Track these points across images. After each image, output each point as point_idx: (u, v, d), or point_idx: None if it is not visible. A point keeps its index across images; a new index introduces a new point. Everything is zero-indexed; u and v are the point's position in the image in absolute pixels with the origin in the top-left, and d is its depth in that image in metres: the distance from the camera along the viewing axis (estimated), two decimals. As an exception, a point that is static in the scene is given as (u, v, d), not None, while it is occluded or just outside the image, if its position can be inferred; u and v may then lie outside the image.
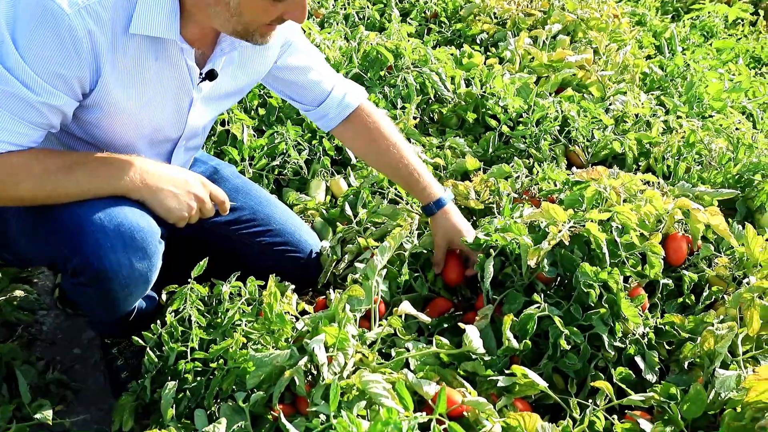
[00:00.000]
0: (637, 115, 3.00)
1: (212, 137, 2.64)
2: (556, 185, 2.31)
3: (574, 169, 2.40)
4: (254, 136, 2.70)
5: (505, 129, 2.85)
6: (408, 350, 1.75)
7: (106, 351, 2.04)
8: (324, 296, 2.04)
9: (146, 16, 1.54)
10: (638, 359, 1.82)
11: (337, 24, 3.69)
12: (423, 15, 4.09)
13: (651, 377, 1.79)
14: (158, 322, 1.81)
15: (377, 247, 1.83)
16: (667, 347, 1.89)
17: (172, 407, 1.63)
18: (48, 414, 1.79)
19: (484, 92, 2.99)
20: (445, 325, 1.95)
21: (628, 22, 4.19)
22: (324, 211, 2.47)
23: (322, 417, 1.46)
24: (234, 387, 1.64)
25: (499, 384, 1.69)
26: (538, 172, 2.43)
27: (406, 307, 1.73)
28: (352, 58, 3.05)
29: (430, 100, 3.04)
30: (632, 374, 1.79)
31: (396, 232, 1.86)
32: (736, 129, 2.82)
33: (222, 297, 1.83)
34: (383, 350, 1.79)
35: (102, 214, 1.58)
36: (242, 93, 1.97)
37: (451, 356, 1.76)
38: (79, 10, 1.45)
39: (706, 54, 3.98)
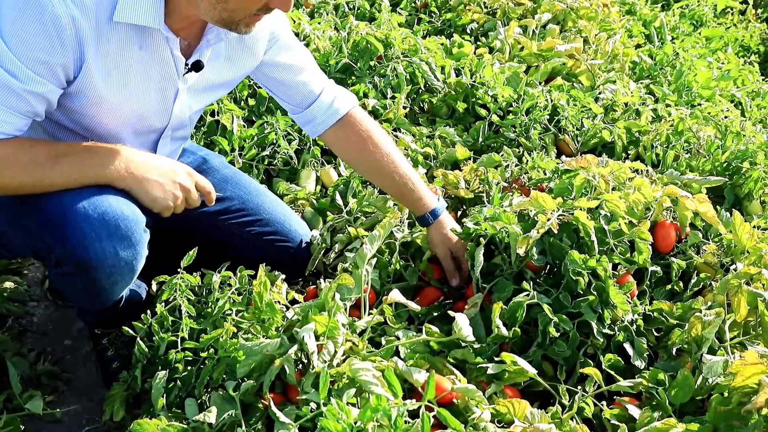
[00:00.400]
0: (626, 104, 3.01)
1: (201, 128, 2.63)
2: (545, 174, 2.32)
3: (563, 157, 2.41)
4: (244, 126, 2.69)
5: (494, 118, 2.85)
6: (398, 338, 1.75)
7: (96, 342, 2.04)
8: (314, 286, 2.05)
9: (130, 4, 1.54)
10: (627, 346, 1.83)
11: (327, 14, 3.68)
12: (413, 5, 4.08)
13: (639, 363, 1.81)
14: (148, 312, 1.81)
15: (367, 236, 1.84)
16: (655, 334, 1.90)
17: (162, 397, 1.63)
18: (39, 404, 1.79)
19: (474, 82, 2.99)
20: (435, 314, 1.96)
21: (618, 11, 4.20)
22: (314, 201, 2.47)
23: (313, 405, 1.46)
24: (224, 376, 1.64)
25: (489, 371, 1.70)
26: (527, 161, 2.43)
27: (395, 295, 1.73)
28: (341, 48, 3.04)
29: (420, 90, 3.04)
30: (621, 361, 1.81)
31: (386, 221, 1.87)
32: (725, 117, 2.83)
33: (212, 287, 1.83)
34: (373, 339, 1.80)
35: (86, 203, 1.58)
36: (229, 86, 1.96)
37: (441, 344, 1.77)
38: None
39: (695, 43, 3.99)
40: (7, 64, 1.47)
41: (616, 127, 2.78)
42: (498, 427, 1.54)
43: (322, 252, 2.16)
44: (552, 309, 1.80)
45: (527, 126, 2.80)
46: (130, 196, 1.65)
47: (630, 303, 1.86)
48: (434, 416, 1.40)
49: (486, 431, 1.51)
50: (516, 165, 2.44)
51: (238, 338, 1.66)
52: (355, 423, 1.30)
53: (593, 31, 3.53)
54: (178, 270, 1.82)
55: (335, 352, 1.59)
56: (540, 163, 2.36)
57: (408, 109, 2.94)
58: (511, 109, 2.89)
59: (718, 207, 2.23)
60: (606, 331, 1.83)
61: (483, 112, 2.92)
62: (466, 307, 1.89)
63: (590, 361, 1.82)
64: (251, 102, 2.83)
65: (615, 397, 1.74)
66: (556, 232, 1.90)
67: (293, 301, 1.85)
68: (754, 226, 2.05)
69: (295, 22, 3.21)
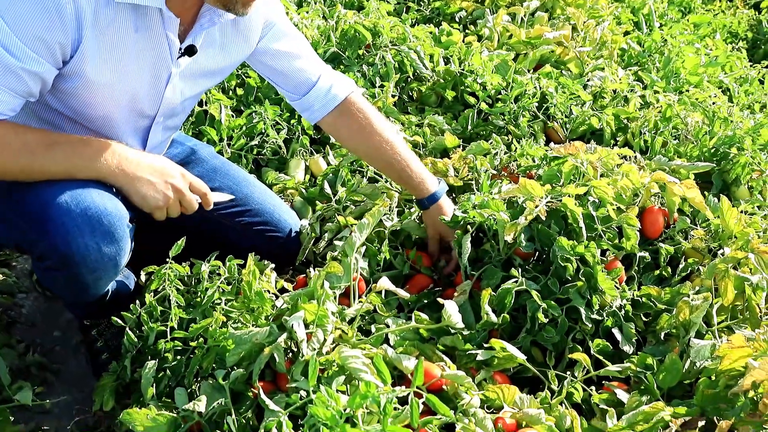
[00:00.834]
0: (614, 91, 3.01)
1: (190, 118, 2.62)
2: (534, 161, 2.32)
3: (552, 144, 2.41)
4: (232, 116, 2.68)
5: (483, 106, 2.85)
6: (388, 326, 1.76)
7: (85, 333, 2.04)
8: (304, 275, 2.05)
9: None
10: (615, 331, 1.84)
11: (315, 3, 3.67)
12: (401, -7, 4.07)
13: (628, 348, 1.82)
14: (137, 302, 1.81)
15: (356, 224, 1.84)
16: (643, 319, 1.91)
17: (152, 386, 1.63)
18: (28, 396, 1.79)
19: (463, 70, 2.99)
20: (425, 301, 1.96)
21: (607, -2, 4.20)
22: (303, 191, 2.46)
23: (302, 393, 1.47)
24: (214, 365, 1.64)
25: (478, 358, 1.71)
26: (516, 148, 2.43)
27: (384, 282, 1.74)
28: (330, 37, 3.03)
29: (409, 79, 3.03)
30: (609, 346, 1.82)
31: (375, 209, 1.87)
32: (713, 103, 2.84)
33: (201, 276, 1.83)
34: (363, 327, 1.80)
35: (68, 198, 1.57)
36: (222, 74, 1.95)
37: (431, 331, 1.77)
38: None
39: (683, 29, 3.99)
40: (5, 40, 1.46)
41: (605, 114, 2.79)
42: (487, 412, 1.55)
43: (312, 241, 2.16)
44: (541, 295, 1.81)
45: (516, 113, 2.80)
46: (117, 192, 1.65)
47: (618, 288, 1.87)
48: (424, 403, 1.41)
49: (476, 417, 1.51)
50: (505, 152, 2.45)
51: (228, 327, 1.66)
52: (345, 410, 1.30)
53: (582, 18, 3.53)
54: (167, 260, 1.81)
55: (324, 340, 1.59)
56: (529, 150, 2.36)
57: (397, 98, 2.94)
58: (499, 96, 2.89)
59: (705, 193, 2.24)
60: (594, 316, 1.84)
61: (472, 100, 2.92)
62: (456, 294, 1.90)
63: (579, 346, 1.83)
64: (239, 92, 2.82)
65: (604, 381, 1.75)
66: (544, 218, 1.90)
67: (282, 290, 1.85)
68: (741, 211, 2.06)
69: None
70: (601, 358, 1.79)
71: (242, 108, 2.76)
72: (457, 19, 3.77)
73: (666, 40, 3.53)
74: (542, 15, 3.58)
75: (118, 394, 1.80)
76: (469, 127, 2.81)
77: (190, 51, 1.75)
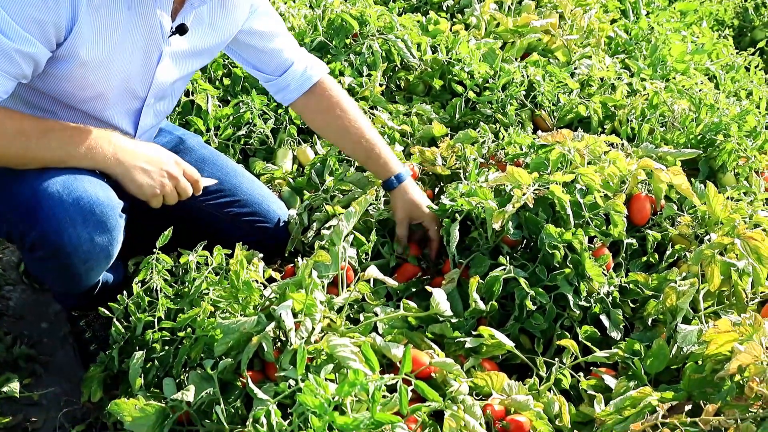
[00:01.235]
0: (602, 79, 3.02)
1: (177, 108, 2.61)
2: (521, 149, 2.32)
3: (540, 133, 2.41)
4: (219, 105, 2.67)
5: (471, 95, 2.85)
6: (376, 315, 1.76)
7: (73, 324, 2.03)
8: (292, 264, 2.04)
9: None
10: (603, 317, 1.85)
11: (302, -8, 3.65)
12: (388, -18, 4.06)
13: (615, 335, 1.83)
14: (125, 292, 1.81)
15: (344, 213, 1.84)
16: (631, 305, 1.92)
17: (140, 377, 1.63)
18: (15, 387, 1.79)
19: (450, 58, 2.98)
20: (413, 290, 1.96)
21: (594, -13, 4.19)
22: (291, 180, 2.46)
23: (291, 382, 1.47)
24: (202, 355, 1.64)
25: (467, 345, 1.71)
26: (504, 136, 2.43)
27: (372, 271, 1.74)
28: (316, 26, 3.02)
29: (397, 68, 3.03)
30: (597, 332, 1.83)
31: (362, 198, 1.87)
32: (699, 90, 2.85)
33: (189, 266, 1.83)
34: (352, 315, 1.80)
35: (60, 187, 1.56)
36: (210, 54, 1.95)
37: (419, 319, 1.78)
38: None
39: (670, 17, 3.99)
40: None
41: (592, 102, 2.79)
42: (476, 399, 1.56)
43: (300, 231, 2.15)
44: (528, 283, 1.81)
45: (504, 102, 2.80)
46: (111, 181, 1.64)
47: (606, 275, 1.88)
48: (413, 390, 1.41)
49: (464, 404, 1.52)
50: (493, 141, 2.45)
51: (216, 317, 1.66)
52: (333, 398, 1.30)
53: (569, 6, 3.53)
54: (154, 250, 1.81)
55: (313, 329, 1.59)
56: (516, 138, 2.36)
57: (384, 87, 2.93)
58: (487, 85, 2.89)
59: (692, 179, 2.24)
60: (582, 303, 1.84)
61: (459, 88, 2.91)
62: (444, 282, 1.90)
63: (567, 333, 1.84)
64: (226, 81, 2.81)
65: (592, 368, 1.76)
66: (531, 206, 1.90)
67: (271, 280, 1.85)
68: (727, 198, 2.07)
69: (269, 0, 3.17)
70: (589, 344, 1.80)
71: (229, 98, 2.75)
72: (444, 8, 3.76)
73: (653, 27, 3.53)
74: (529, 3, 3.58)
75: (106, 385, 1.80)
76: (457, 116, 2.81)
77: (181, 30, 1.75)
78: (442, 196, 2.10)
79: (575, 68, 3.08)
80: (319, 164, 2.44)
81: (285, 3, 3.24)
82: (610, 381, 1.67)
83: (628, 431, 1.42)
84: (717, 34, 3.98)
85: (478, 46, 3.04)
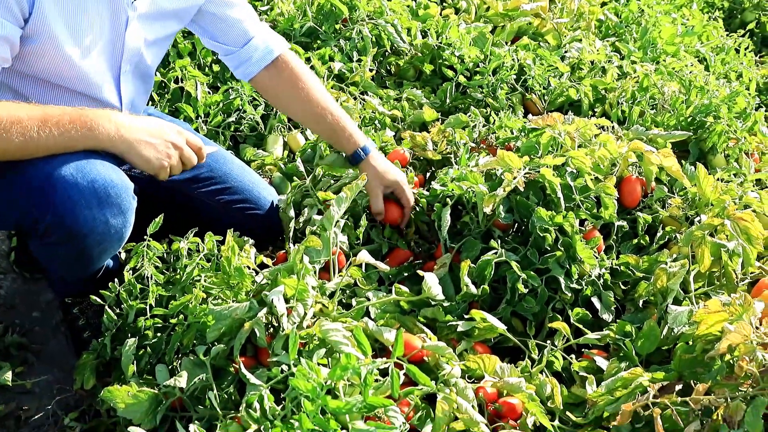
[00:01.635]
0: (592, 62, 3.01)
1: (166, 95, 2.60)
2: (512, 133, 2.32)
3: (530, 116, 2.42)
4: (209, 92, 2.66)
5: (461, 79, 2.84)
6: (368, 299, 1.76)
7: (66, 311, 2.03)
8: (284, 251, 2.04)
9: None
10: (594, 300, 1.86)
11: (291, -22, 3.63)
12: (378, -33, 4.03)
13: (607, 317, 1.84)
14: (116, 280, 1.80)
15: (335, 199, 1.83)
16: (622, 287, 1.93)
17: (133, 364, 1.63)
18: (7, 376, 1.78)
19: (441, 43, 2.98)
20: (405, 274, 1.97)
21: (584, -30, 4.18)
22: (282, 166, 2.45)
23: (284, 367, 1.47)
24: (195, 341, 1.64)
25: (459, 329, 1.72)
26: (495, 121, 2.43)
27: (364, 256, 1.74)
28: (306, 11, 3.00)
29: (387, 53, 3.02)
30: (589, 314, 1.83)
31: (353, 183, 1.86)
32: (689, 72, 2.85)
33: (180, 253, 1.82)
34: (344, 300, 1.81)
35: (73, 171, 1.56)
36: (179, 19, 1.94)
37: (411, 304, 1.78)
38: None
39: None
40: None
41: (583, 85, 2.79)
42: (469, 382, 1.56)
43: (292, 219, 2.15)
44: (520, 266, 1.82)
45: (494, 86, 2.79)
46: (118, 160, 1.63)
47: (597, 258, 1.88)
48: (405, 374, 1.42)
49: (457, 387, 1.52)
50: (483, 125, 2.44)
51: (208, 304, 1.66)
52: (326, 382, 1.31)
53: (559, -11, 3.52)
54: (145, 237, 1.81)
55: (305, 314, 1.59)
56: (507, 122, 2.36)
57: (374, 72, 2.92)
58: (477, 69, 2.88)
59: (683, 161, 2.25)
60: (574, 286, 1.85)
61: (450, 73, 2.91)
62: (435, 266, 1.90)
63: (559, 315, 1.85)
64: (216, 68, 2.79)
65: (583, 350, 1.77)
66: (522, 190, 1.91)
67: (262, 266, 1.85)
68: (717, 179, 2.07)
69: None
70: (580, 326, 1.80)
71: (218, 84, 2.74)
72: (434, -8, 3.74)
73: (643, 10, 3.53)
74: (519, -13, 3.56)
75: (99, 373, 1.79)
76: (448, 101, 2.81)
77: None
78: (433, 181, 2.10)
79: (566, 52, 3.07)
80: (309, 150, 2.43)
81: (274, -12, 3.22)
82: (602, 362, 1.68)
83: (620, 412, 1.43)
84: (707, 16, 3.98)
85: (469, 31, 3.04)
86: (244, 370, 1.45)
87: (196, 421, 1.49)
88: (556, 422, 1.57)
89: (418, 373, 1.39)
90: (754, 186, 2.26)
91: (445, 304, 1.78)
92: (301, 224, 2.14)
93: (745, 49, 3.61)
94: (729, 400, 1.35)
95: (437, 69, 2.98)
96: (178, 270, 1.80)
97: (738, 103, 2.65)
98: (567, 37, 3.22)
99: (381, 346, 1.63)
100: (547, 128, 2.10)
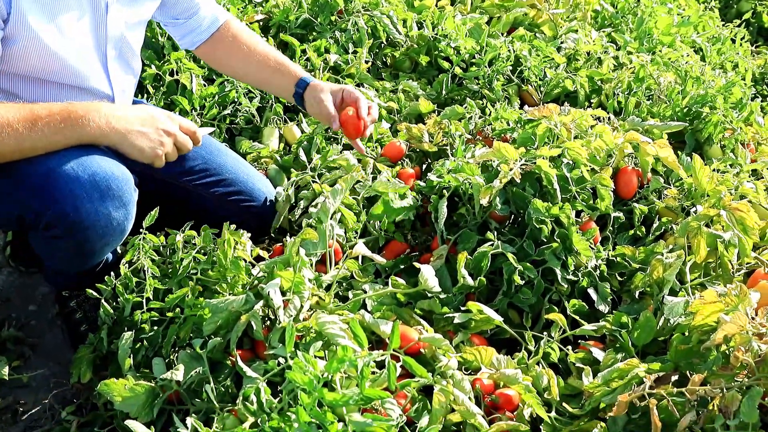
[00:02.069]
0: (588, 53, 3.01)
1: (161, 88, 2.59)
2: (508, 124, 2.32)
3: (526, 108, 2.41)
4: (204, 85, 2.65)
5: (457, 71, 2.84)
6: (365, 292, 1.76)
7: (62, 305, 2.03)
8: (281, 243, 2.04)
9: None
10: (591, 291, 1.86)
11: (286, -31, 3.61)
12: (373, -42, 4.02)
13: (603, 308, 1.84)
14: (112, 273, 1.80)
15: (330, 191, 1.83)
16: (618, 278, 1.93)
17: (129, 357, 1.63)
18: (4, 370, 1.78)
19: (436, 34, 2.97)
20: (402, 267, 1.97)
21: (579, -40, 4.16)
22: (278, 159, 2.45)
23: (280, 359, 1.47)
24: (191, 335, 1.64)
25: (456, 321, 1.72)
26: (491, 112, 2.43)
27: (360, 248, 1.74)
28: (301, 3, 2.99)
29: (382, 44, 3.01)
30: (585, 306, 1.84)
31: (349, 175, 1.86)
32: (685, 63, 2.85)
33: (176, 246, 1.82)
34: (340, 293, 1.81)
35: (74, 165, 1.56)
36: None
37: (408, 296, 1.78)
38: None
39: (656, -11, 3.98)
40: None
41: (579, 76, 2.78)
42: (465, 374, 1.57)
43: (287, 209, 2.15)
44: (516, 257, 1.82)
45: (490, 77, 2.79)
46: (115, 153, 1.63)
47: (593, 249, 1.88)
48: (402, 366, 1.42)
49: (453, 379, 1.52)
50: (479, 117, 2.44)
51: (204, 297, 1.66)
52: (323, 374, 1.30)
53: (554, -20, 3.51)
54: (141, 230, 1.80)
55: (301, 306, 1.59)
56: (503, 114, 2.36)
57: (370, 64, 2.92)
58: (473, 61, 2.88)
59: (679, 152, 2.25)
60: (570, 277, 1.85)
61: (446, 64, 2.90)
62: (432, 258, 1.90)
63: (555, 307, 1.85)
64: (211, 60, 2.78)
65: (580, 341, 1.78)
66: (518, 181, 1.91)
67: (259, 259, 1.85)
68: (713, 170, 2.07)
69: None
70: (577, 318, 1.80)
71: (214, 77, 2.73)
72: (429, -17, 3.73)
73: (639, 0, 3.52)
74: (515, -23, 3.55)
75: (96, 366, 1.80)
76: (444, 92, 2.80)
77: None
78: (429, 173, 2.09)
79: (562, 42, 3.07)
80: (305, 142, 2.43)
81: (269, -20, 3.21)
82: (598, 354, 1.69)
83: (616, 403, 1.43)
84: (703, 6, 3.98)
85: (464, 22, 3.03)
86: (240, 363, 1.45)
87: (193, 414, 1.49)
88: (553, 413, 1.57)
89: (415, 365, 1.39)
90: (749, 176, 2.26)
91: (442, 296, 1.78)
92: (297, 216, 2.14)
93: (741, 39, 3.61)
94: (725, 390, 1.35)
95: (433, 60, 2.97)
96: (175, 263, 1.80)
97: (734, 94, 2.65)
98: (563, 28, 3.22)
99: (378, 338, 1.63)
100: (544, 119, 2.10)
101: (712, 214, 1.82)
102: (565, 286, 1.84)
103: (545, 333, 1.76)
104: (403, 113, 2.66)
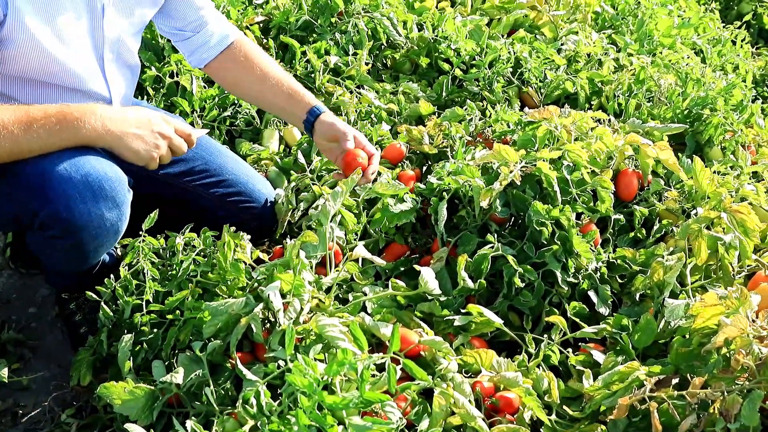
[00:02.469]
0: (588, 55, 3.01)
1: (161, 89, 2.59)
2: (509, 126, 2.32)
3: (526, 109, 2.41)
4: (204, 86, 2.65)
5: (458, 72, 2.84)
6: (365, 294, 1.76)
7: (62, 306, 2.03)
8: (281, 246, 2.04)
9: None
10: (591, 293, 1.86)
11: (286, -29, 3.61)
12: (373, -41, 4.02)
13: (604, 310, 1.83)
14: (112, 276, 1.80)
15: (331, 193, 1.83)
16: (619, 280, 1.93)
17: (129, 360, 1.63)
18: (4, 372, 1.78)
19: (437, 36, 2.97)
20: (402, 269, 1.96)
21: (580, -38, 4.16)
22: (278, 161, 2.45)
23: (280, 362, 1.47)
24: (191, 337, 1.64)
25: (456, 323, 1.72)
26: (491, 114, 2.43)
27: (360, 250, 1.74)
28: (301, 4, 2.99)
29: (383, 46, 3.01)
30: (586, 308, 1.83)
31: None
32: (686, 65, 2.84)
33: (176, 249, 1.82)
34: (341, 296, 1.80)
35: (68, 165, 1.56)
36: (154, 2, 1.95)
37: (408, 298, 1.78)
38: None
39: (656, -9, 3.98)
40: None
41: (579, 78, 2.78)
42: (466, 377, 1.56)
43: (288, 212, 2.15)
44: (517, 260, 1.82)
45: (490, 79, 2.79)
46: (110, 154, 1.63)
47: (593, 251, 1.88)
48: (402, 369, 1.42)
49: (454, 381, 1.52)
50: (480, 119, 2.44)
51: (204, 299, 1.65)
52: (322, 377, 1.30)
53: (555, -19, 3.51)
54: (140, 233, 1.80)
55: (301, 309, 1.59)
56: (503, 115, 2.35)
57: (370, 66, 2.92)
58: (474, 62, 2.87)
59: (679, 154, 2.25)
60: (570, 279, 1.85)
61: (446, 66, 2.90)
62: (432, 261, 1.90)
63: (555, 309, 1.84)
64: (211, 62, 2.78)
65: (580, 343, 1.77)
66: (519, 183, 1.90)
67: (259, 261, 1.85)
68: (714, 172, 2.07)
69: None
70: (577, 320, 1.80)
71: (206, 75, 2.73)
72: (430, -15, 3.72)
73: (639, 2, 3.52)
74: (515, -21, 3.55)
75: (96, 369, 1.80)
76: (444, 94, 2.80)
77: None
78: (429, 175, 2.09)
79: (562, 44, 3.07)
80: (305, 144, 2.43)
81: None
82: (599, 356, 1.68)
83: (617, 406, 1.43)
84: (703, 8, 3.98)
85: (465, 23, 3.03)
86: (240, 366, 1.45)
87: (192, 417, 1.49)
88: (553, 416, 1.57)
89: (415, 368, 1.39)
90: (750, 178, 2.26)
91: (442, 298, 1.78)
92: (297, 218, 2.14)
93: (742, 40, 3.61)
94: (725, 393, 1.35)
95: (433, 62, 2.97)
96: (174, 265, 1.80)
97: (734, 95, 2.65)
98: (563, 30, 3.22)
99: (378, 341, 1.63)
100: (544, 121, 2.10)
101: (713, 216, 1.82)
102: (566, 288, 1.84)
103: (545, 335, 1.76)
104: (403, 115, 2.66)
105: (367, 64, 2.86)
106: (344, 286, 1.83)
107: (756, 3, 4.35)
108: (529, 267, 1.82)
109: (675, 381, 1.46)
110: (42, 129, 1.55)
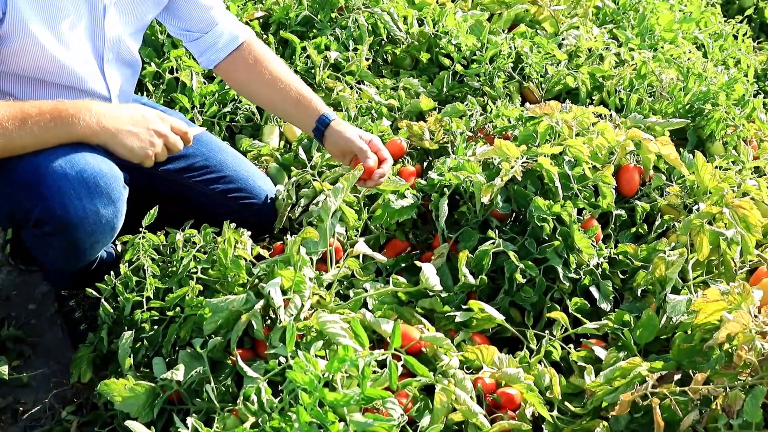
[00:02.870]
0: (589, 50, 3.00)
1: (161, 85, 2.58)
2: (510, 122, 2.31)
3: (527, 105, 2.40)
4: (204, 82, 2.64)
5: (458, 68, 2.83)
6: (366, 290, 1.75)
7: (62, 303, 2.03)
8: (281, 242, 2.04)
9: None
10: (593, 289, 1.85)
11: (286, -34, 3.60)
12: (374, -46, 4.00)
13: (605, 306, 1.83)
14: (112, 273, 1.79)
15: (332, 189, 1.82)
16: (621, 276, 1.92)
17: (129, 357, 1.63)
18: (4, 369, 1.78)
19: (437, 31, 2.96)
20: (403, 265, 1.96)
21: (581, -44, 4.15)
22: (278, 157, 2.44)
23: (281, 359, 1.46)
24: (192, 334, 1.64)
25: (457, 319, 1.71)
26: (492, 109, 2.42)
27: (361, 246, 1.73)
28: (301, 0, 2.99)
29: (383, 41, 3.00)
30: (587, 304, 1.83)
31: (350, 173, 1.85)
32: (687, 59, 2.83)
33: (176, 245, 1.81)
34: (341, 292, 1.80)
35: (62, 162, 1.55)
36: (157, 4, 1.93)
37: (409, 294, 1.78)
38: None
39: (658, -14, 3.97)
40: None
41: (580, 73, 2.77)
42: (467, 373, 1.56)
43: (288, 208, 2.14)
44: (518, 256, 1.81)
45: (491, 74, 2.78)
46: (105, 151, 1.62)
47: (595, 247, 1.88)
48: (403, 365, 1.41)
49: (455, 378, 1.52)
50: (480, 114, 2.43)
51: (204, 296, 1.65)
52: (323, 374, 1.30)
53: (556, -24, 3.50)
54: (141, 229, 1.80)
55: (302, 305, 1.59)
56: (504, 111, 2.35)
57: (371, 61, 2.91)
58: (474, 58, 2.86)
59: (680, 149, 2.24)
60: (572, 275, 1.84)
61: (447, 61, 2.89)
62: (433, 257, 1.90)
63: (557, 305, 1.84)
64: (211, 58, 2.77)
65: (582, 339, 1.77)
66: (520, 179, 1.90)
67: (259, 257, 1.84)
68: (715, 167, 2.06)
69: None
70: (579, 316, 1.80)
71: (214, 74, 2.72)
72: (430, -20, 3.71)
73: (640, -4, 3.51)
74: (516, -26, 3.54)
75: (96, 366, 1.79)
76: (445, 90, 2.79)
77: None
78: (430, 171, 2.09)
79: (563, 39, 3.05)
80: (306, 140, 2.42)
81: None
82: (600, 352, 1.68)
83: (618, 402, 1.42)
84: (705, 3, 3.95)
85: (465, 18, 3.02)
86: (241, 363, 1.45)
87: (193, 414, 1.49)
88: (555, 412, 1.57)
89: (416, 364, 1.38)
90: (752, 173, 2.25)
91: (443, 294, 1.77)
92: (298, 214, 2.14)
93: (744, 35, 3.59)
94: (728, 389, 1.35)
95: (434, 58, 2.96)
96: (174, 262, 1.80)
97: (736, 90, 2.64)
98: (564, 25, 3.20)
99: (379, 337, 1.62)
100: (545, 117, 2.09)
101: (715, 211, 1.81)
102: (567, 284, 1.84)
103: (547, 331, 1.75)
104: (403, 111, 2.65)
105: (367, 59, 2.86)
106: (345, 283, 1.83)
107: (757, -3, 4.33)
108: (530, 263, 1.81)
109: (677, 377, 1.45)
110: (36, 125, 1.54)
